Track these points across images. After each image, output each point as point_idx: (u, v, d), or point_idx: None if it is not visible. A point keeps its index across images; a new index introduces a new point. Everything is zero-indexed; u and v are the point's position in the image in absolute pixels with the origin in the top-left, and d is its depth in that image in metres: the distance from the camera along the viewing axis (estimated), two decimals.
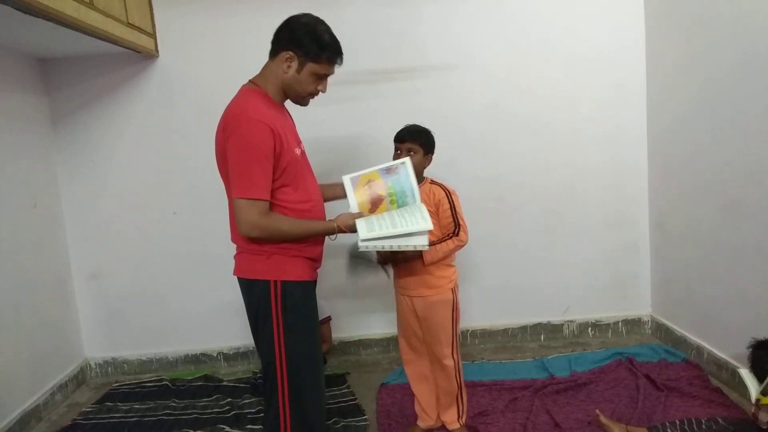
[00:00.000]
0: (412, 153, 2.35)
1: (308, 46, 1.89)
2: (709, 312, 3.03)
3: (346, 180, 2.14)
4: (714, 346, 3.00)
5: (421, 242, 1.99)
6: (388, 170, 2.16)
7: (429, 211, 2.32)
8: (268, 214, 1.86)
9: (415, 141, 2.37)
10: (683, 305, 3.30)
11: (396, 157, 2.38)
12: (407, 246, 1.98)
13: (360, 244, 1.95)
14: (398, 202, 2.09)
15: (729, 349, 2.87)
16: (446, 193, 2.41)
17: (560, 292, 3.63)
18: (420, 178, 2.43)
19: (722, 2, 2.74)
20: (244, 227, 1.84)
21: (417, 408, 2.62)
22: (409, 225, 1.96)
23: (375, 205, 2.08)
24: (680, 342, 3.28)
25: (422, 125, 2.44)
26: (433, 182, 2.46)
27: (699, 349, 3.10)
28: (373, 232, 1.93)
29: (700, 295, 3.10)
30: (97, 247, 3.51)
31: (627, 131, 3.51)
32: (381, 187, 2.12)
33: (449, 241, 2.35)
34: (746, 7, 2.58)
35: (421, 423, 2.61)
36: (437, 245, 2.33)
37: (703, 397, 2.71)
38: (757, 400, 2.17)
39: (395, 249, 1.98)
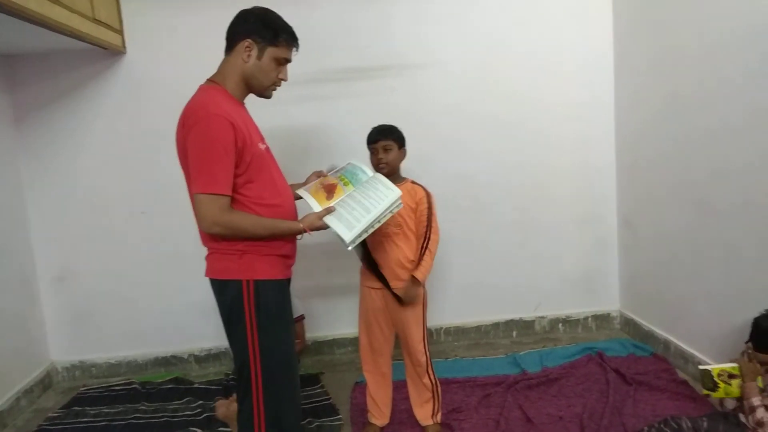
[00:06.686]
0: (388, 150, 2.40)
1: (264, 31, 1.91)
2: (676, 307, 3.10)
3: (302, 192, 2.14)
4: (681, 340, 3.07)
5: (396, 205, 2.05)
6: (336, 171, 2.23)
7: (410, 207, 2.38)
8: (229, 211, 1.83)
9: (389, 137, 2.42)
10: (651, 301, 3.37)
11: (373, 158, 2.43)
12: (386, 217, 2.03)
13: (348, 246, 1.95)
14: (352, 181, 2.11)
15: (695, 342, 2.95)
16: (426, 194, 2.47)
17: (532, 289, 3.68)
18: (398, 175, 2.47)
19: (688, 10, 2.80)
20: (205, 223, 1.82)
21: (372, 407, 2.62)
22: (381, 201, 2.00)
23: (330, 192, 2.08)
24: (648, 336, 3.35)
25: (388, 123, 2.49)
26: (414, 182, 2.49)
27: (666, 343, 3.17)
28: (354, 229, 1.94)
29: (667, 291, 3.17)
30: (64, 248, 3.43)
31: (596, 132, 3.56)
32: (332, 179, 2.16)
33: (426, 256, 2.43)
34: (711, 13, 2.65)
35: (377, 421, 2.62)
36: (422, 264, 2.41)
37: (670, 390, 2.78)
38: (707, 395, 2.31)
39: (377, 227, 2.02)
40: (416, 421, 2.62)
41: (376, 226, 2.01)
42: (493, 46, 3.45)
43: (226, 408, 2.78)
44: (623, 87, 3.46)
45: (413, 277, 2.39)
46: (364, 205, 1.99)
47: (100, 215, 3.42)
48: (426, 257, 2.42)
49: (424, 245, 2.44)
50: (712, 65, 2.66)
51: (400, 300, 2.43)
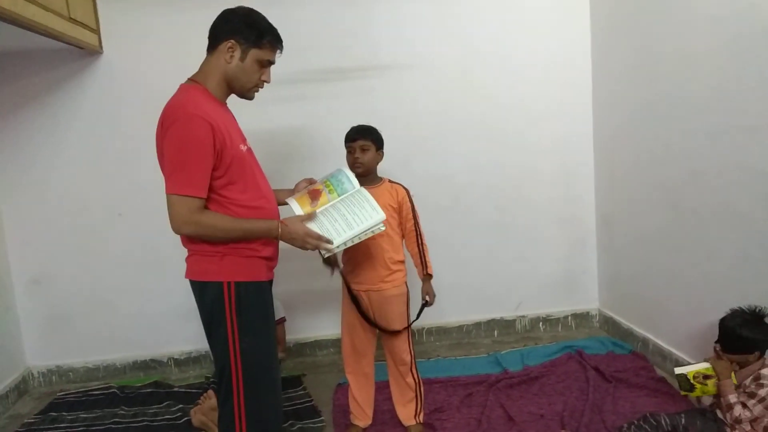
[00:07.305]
0: (365, 150, 2.40)
1: (248, 32, 1.87)
2: (654, 305, 3.14)
3: (289, 199, 2.13)
4: (659, 337, 3.11)
5: (378, 227, 2.01)
6: (324, 177, 2.20)
7: (392, 207, 2.38)
8: (200, 212, 1.79)
9: (367, 138, 2.42)
10: (629, 299, 3.41)
11: (350, 157, 2.43)
12: (366, 235, 2.00)
13: (324, 254, 1.96)
14: (337, 190, 2.10)
15: (673, 340, 2.99)
16: (406, 191, 2.50)
17: (512, 289, 3.70)
18: (374, 175, 2.48)
19: (665, 15, 2.84)
20: (174, 224, 1.79)
21: (354, 408, 2.62)
22: (364, 220, 1.98)
23: (315, 198, 2.07)
24: (627, 334, 3.40)
25: (368, 124, 2.49)
26: (391, 182, 2.50)
27: (645, 341, 3.22)
28: (334, 241, 1.93)
29: (646, 290, 3.21)
30: (39, 251, 3.36)
31: (575, 134, 3.60)
32: (317, 185, 2.15)
33: (426, 253, 2.55)
34: (688, 18, 2.68)
35: (360, 422, 2.62)
36: (427, 261, 2.56)
37: (649, 387, 2.81)
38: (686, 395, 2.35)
39: (356, 242, 2.00)
40: (399, 422, 2.62)
41: (356, 241, 2.00)
42: (474, 49, 3.46)
43: (200, 413, 2.74)
44: (601, 89, 3.50)
45: (428, 274, 2.54)
46: (347, 220, 1.98)
47: (77, 217, 3.36)
48: (426, 254, 2.53)
49: (419, 242, 2.50)
50: (689, 69, 2.69)
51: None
